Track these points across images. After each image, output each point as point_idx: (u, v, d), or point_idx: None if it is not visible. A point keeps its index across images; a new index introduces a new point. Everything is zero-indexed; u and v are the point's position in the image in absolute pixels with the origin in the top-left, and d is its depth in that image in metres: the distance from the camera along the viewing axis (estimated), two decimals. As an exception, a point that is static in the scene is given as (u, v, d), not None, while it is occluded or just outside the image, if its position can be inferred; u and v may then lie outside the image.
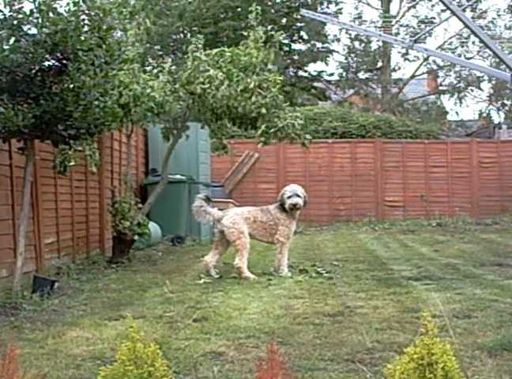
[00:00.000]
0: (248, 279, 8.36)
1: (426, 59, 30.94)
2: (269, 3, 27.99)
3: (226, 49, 10.62)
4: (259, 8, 10.82)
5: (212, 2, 27.58)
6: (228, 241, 8.92)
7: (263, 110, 10.11)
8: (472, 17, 26.19)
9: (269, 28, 28.23)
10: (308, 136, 10.84)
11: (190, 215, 14.11)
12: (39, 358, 4.63)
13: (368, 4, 32.49)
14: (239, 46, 10.63)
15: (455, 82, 31.89)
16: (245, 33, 10.81)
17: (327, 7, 30.54)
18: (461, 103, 32.72)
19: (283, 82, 10.64)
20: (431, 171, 19.62)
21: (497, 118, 33.96)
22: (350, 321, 5.63)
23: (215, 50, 10.61)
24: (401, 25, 30.88)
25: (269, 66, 10.52)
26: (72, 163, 8.99)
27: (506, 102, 33.33)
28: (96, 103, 7.24)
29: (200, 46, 10.50)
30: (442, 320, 5.16)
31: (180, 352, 4.66)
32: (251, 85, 10.03)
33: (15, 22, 6.83)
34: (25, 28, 6.91)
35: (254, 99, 10.08)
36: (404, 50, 29.78)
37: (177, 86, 10.46)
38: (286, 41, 30.12)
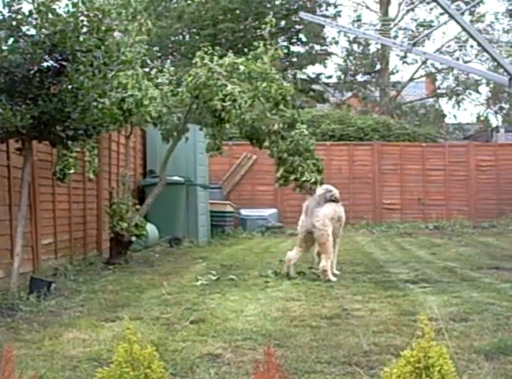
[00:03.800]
0: (330, 281, 8.33)
1: (424, 62, 30.98)
2: (268, 5, 27.98)
3: (238, 61, 10.37)
4: (274, 20, 10.68)
5: (211, 4, 27.58)
6: (313, 240, 8.87)
7: (284, 156, 10.06)
8: (471, 21, 26.24)
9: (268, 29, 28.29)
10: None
11: (187, 216, 14.17)
12: (36, 359, 4.62)
13: (367, 7, 32.58)
14: (249, 58, 10.37)
15: (453, 85, 31.95)
16: (256, 44, 10.64)
17: (326, 10, 30.59)
18: (458, 106, 32.84)
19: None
20: (429, 174, 19.65)
21: (495, 121, 34.08)
22: (347, 324, 5.63)
23: (227, 60, 10.42)
24: (400, 28, 30.94)
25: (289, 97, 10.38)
26: (72, 171, 8.99)
27: (503, 105, 33.40)
28: (95, 104, 7.25)
29: (215, 57, 10.32)
30: (438, 324, 5.16)
31: (177, 354, 4.65)
32: (275, 127, 9.93)
33: (14, 23, 6.84)
34: (24, 29, 6.92)
35: (273, 138, 10.02)
36: (402, 53, 29.83)
37: (180, 89, 10.40)
38: (285, 43, 30.13)
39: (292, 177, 10.20)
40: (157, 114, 9.83)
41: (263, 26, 10.73)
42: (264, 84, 10.04)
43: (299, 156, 10.14)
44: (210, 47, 10.53)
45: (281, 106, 10.11)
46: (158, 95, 10.03)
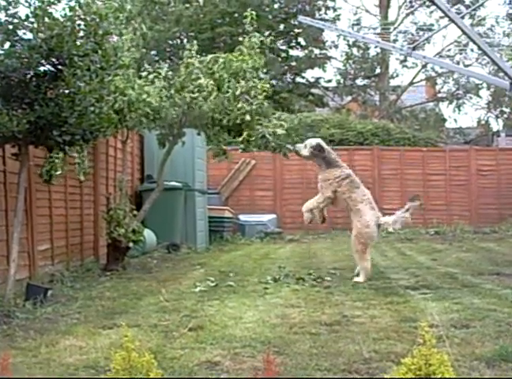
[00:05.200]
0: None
1: (424, 66, 31.03)
2: (267, 9, 28.03)
3: (220, 55, 10.63)
4: (254, 13, 10.86)
5: (209, 8, 27.64)
6: None
7: (247, 117, 10.20)
8: (471, 24, 26.33)
9: (267, 33, 28.34)
10: (290, 147, 11.01)
11: (185, 222, 14.16)
12: (32, 367, 4.61)
13: (366, 10, 32.66)
14: (233, 52, 10.66)
15: (453, 89, 32.00)
16: (241, 39, 10.84)
17: (325, 13, 30.63)
18: (459, 110, 32.84)
19: (279, 89, 10.76)
20: (429, 179, 19.65)
21: (495, 125, 34.08)
22: (347, 331, 5.63)
23: (209, 56, 10.63)
24: (400, 32, 30.98)
25: (261, 75, 10.56)
26: (59, 172, 8.98)
27: (504, 109, 33.44)
28: (92, 108, 7.25)
29: (193, 52, 10.53)
30: (439, 330, 5.16)
31: (175, 362, 4.65)
32: (237, 92, 10.07)
33: (10, 27, 6.85)
34: (20, 33, 6.92)
35: (240, 105, 10.13)
36: (402, 57, 29.86)
37: (172, 92, 10.47)
38: (283, 47, 30.15)
39: (253, 138, 10.41)
40: (157, 103, 9.88)
41: (244, 20, 10.87)
42: (237, 64, 10.27)
43: (265, 118, 10.35)
44: (194, 47, 10.67)
45: (249, 78, 10.26)
46: (154, 91, 10.07)
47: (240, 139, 10.61)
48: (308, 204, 9.55)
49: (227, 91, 10.17)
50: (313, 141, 9.53)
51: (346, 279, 8.99)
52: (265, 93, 10.44)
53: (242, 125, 10.42)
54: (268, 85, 10.58)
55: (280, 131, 10.51)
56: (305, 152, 9.47)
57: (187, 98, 10.12)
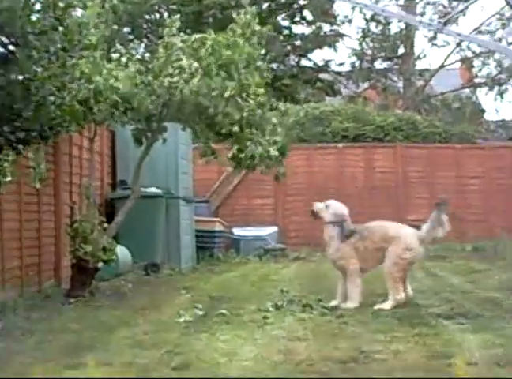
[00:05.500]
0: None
1: (458, 45, 31.06)
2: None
3: (208, 35, 10.60)
4: None
5: (194, -26, 27.69)
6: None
7: (235, 129, 10.25)
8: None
9: (265, 6, 28.41)
10: (282, 170, 11.10)
11: (167, 237, 14.14)
12: (-21, 416, 4.59)
13: (387, -23, 32.68)
14: (223, 33, 10.64)
15: (494, 73, 32.01)
16: (234, 15, 10.84)
17: (336, -19, 30.71)
18: (501, 98, 32.85)
19: (281, 74, 10.78)
20: (465, 183, 19.66)
21: (546, 117, 34.15)
22: (365, 370, 5.61)
23: (194, 36, 10.60)
24: (428, 3, 31.03)
25: (258, 62, 10.58)
26: (8, 179, 8.95)
27: (556, 97, 33.52)
28: (52, 99, 7.25)
29: (174, 29, 10.52)
30: (479, 369, 5.15)
31: (154, 409, 4.64)
32: (226, 94, 10.06)
33: (-50, -1, 6.84)
34: (-37, 7, 6.91)
35: (229, 109, 10.15)
36: (431, 34, 29.90)
37: (150, 78, 10.47)
38: (286, 23, 30.20)
39: (242, 155, 10.53)
40: (127, 89, 9.86)
41: None
42: (228, 52, 10.26)
43: (256, 129, 10.40)
44: (175, 23, 10.70)
45: (241, 72, 10.29)
46: (124, 75, 10.06)
47: (229, 155, 10.81)
48: (354, 295, 9.40)
49: (214, 84, 10.17)
50: (338, 209, 9.54)
51: (364, 306, 8.98)
52: (259, 98, 10.46)
53: (231, 136, 10.50)
54: (262, 90, 10.58)
55: (272, 151, 10.58)
56: (327, 216, 9.54)
57: (165, 82, 10.10)
